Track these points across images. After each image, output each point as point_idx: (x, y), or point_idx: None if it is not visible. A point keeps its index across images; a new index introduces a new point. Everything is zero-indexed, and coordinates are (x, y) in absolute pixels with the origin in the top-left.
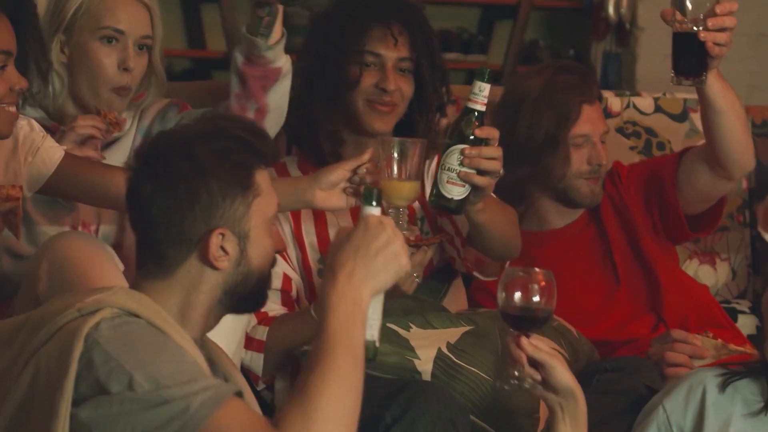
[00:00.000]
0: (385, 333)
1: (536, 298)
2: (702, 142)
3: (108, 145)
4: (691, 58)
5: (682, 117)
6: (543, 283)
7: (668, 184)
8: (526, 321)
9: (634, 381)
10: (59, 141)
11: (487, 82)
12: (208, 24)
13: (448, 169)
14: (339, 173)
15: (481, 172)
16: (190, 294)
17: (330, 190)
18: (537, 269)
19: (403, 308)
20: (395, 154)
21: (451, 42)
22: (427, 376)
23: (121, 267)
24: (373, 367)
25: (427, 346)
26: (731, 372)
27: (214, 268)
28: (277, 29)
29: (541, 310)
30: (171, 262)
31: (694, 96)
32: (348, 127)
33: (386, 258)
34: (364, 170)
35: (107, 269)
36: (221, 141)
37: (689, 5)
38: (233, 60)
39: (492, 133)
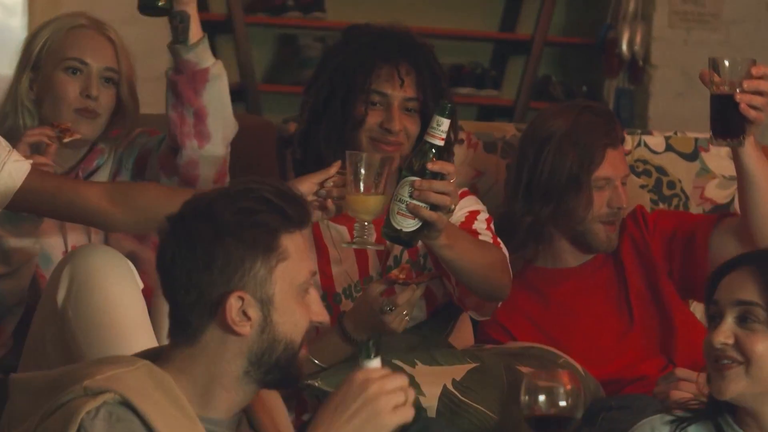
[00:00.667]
0: (391, 369)
1: (563, 403)
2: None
3: (87, 176)
4: (728, 120)
5: (693, 156)
6: (569, 386)
7: (700, 245)
8: (553, 425)
9: (640, 419)
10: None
11: (447, 117)
12: (222, 55)
13: (399, 200)
14: (307, 186)
15: (432, 207)
16: (215, 363)
17: None
18: (561, 370)
19: (408, 344)
20: (362, 169)
21: (464, 77)
22: (432, 413)
23: (141, 285)
24: None
25: (432, 383)
26: (679, 418)
27: (236, 334)
28: (194, 31)
29: (568, 412)
30: (195, 328)
31: (705, 135)
32: None
33: (365, 417)
34: (331, 183)
35: (126, 287)
36: (244, 202)
37: (726, 67)
38: (166, 78)
39: (446, 167)
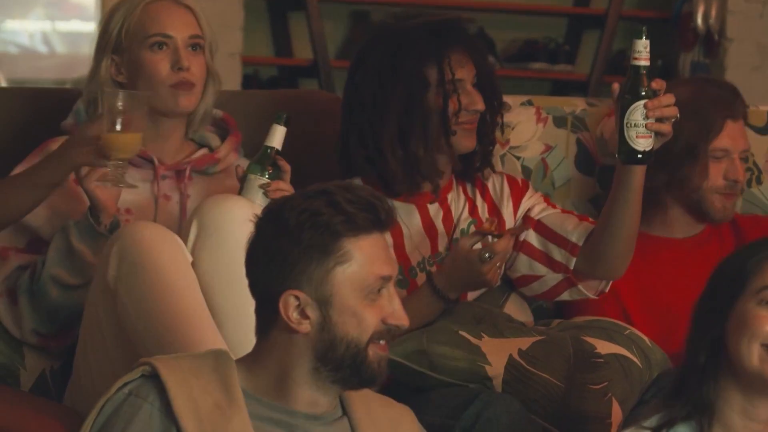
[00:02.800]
0: (457, 341)
1: None
2: None
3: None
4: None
5: (766, 130)
6: None
7: None
8: None
9: None
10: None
11: (646, 38)
12: (295, 32)
13: (635, 125)
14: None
15: (661, 120)
16: (284, 358)
17: None
18: None
19: (473, 316)
20: (119, 105)
21: (538, 52)
22: (498, 382)
23: (190, 258)
24: (444, 373)
25: (498, 353)
26: (663, 423)
27: (296, 331)
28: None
29: None
30: (264, 323)
31: None
32: (443, 154)
33: None
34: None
35: (176, 259)
36: (311, 204)
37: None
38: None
39: (661, 84)
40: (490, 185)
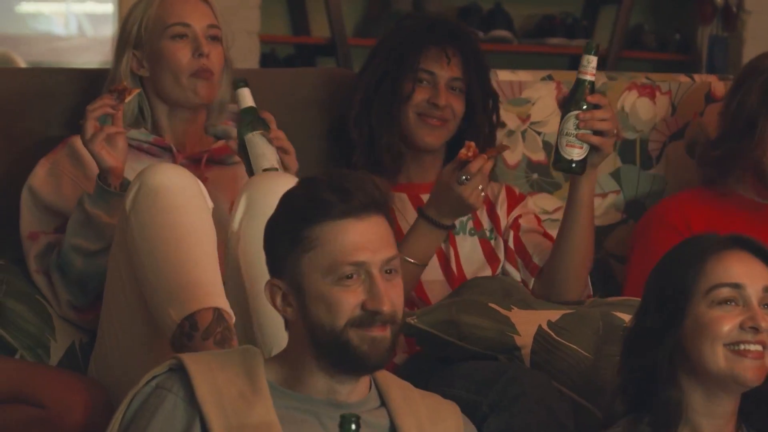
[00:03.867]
0: (486, 311)
1: None
2: None
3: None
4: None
5: None
6: None
7: None
8: None
9: None
10: (83, 132)
11: (594, 54)
12: (312, 10)
13: (566, 134)
14: None
15: (596, 133)
16: (296, 349)
17: None
18: None
19: (503, 289)
20: None
21: (555, 27)
22: (526, 352)
23: (211, 205)
24: (472, 342)
25: (527, 323)
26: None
27: (288, 320)
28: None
29: None
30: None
31: None
32: (403, 141)
33: None
34: None
35: (195, 203)
36: (293, 191)
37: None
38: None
39: (601, 100)
40: (489, 191)
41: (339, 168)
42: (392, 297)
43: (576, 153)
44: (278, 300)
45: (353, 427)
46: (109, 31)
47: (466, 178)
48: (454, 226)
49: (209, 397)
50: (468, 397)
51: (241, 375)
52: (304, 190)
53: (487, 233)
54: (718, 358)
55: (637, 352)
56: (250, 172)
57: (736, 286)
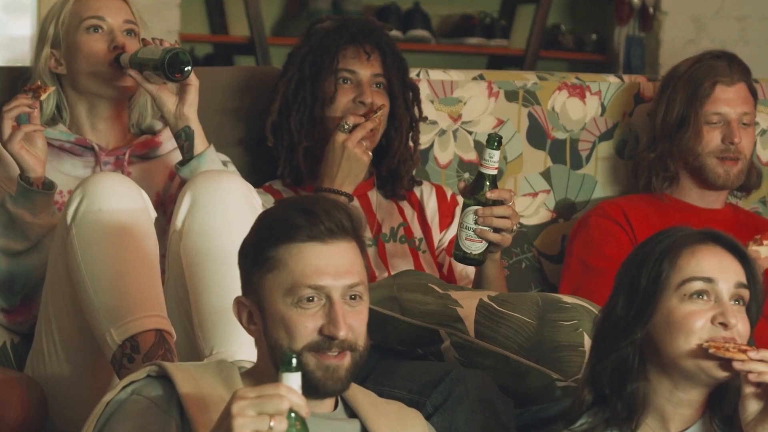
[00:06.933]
0: (426, 289)
1: None
2: None
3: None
4: None
5: None
6: None
7: None
8: None
9: None
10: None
11: (496, 149)
12: (230, 9)
13: (466, 228)
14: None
15: (495, 230)
16: (260, 358)
17: None
18: None
19: (437, 278)
20: None
21: (473, 27)
22: (470, 323)
23: (154, 215)
24: (415, 316)
25: (467, 299)
26: (596, 425)
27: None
28: (198, 144)
29: None
30: None
31: None
32: (324, 144)
33: None
34: None
35: (138, 220)
36: (268, 212)
37: None
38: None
39: (503, 195)
40: (417, 192)
41: (316, 193)
42: (353, 323)
43: (475, 247)
44: (244, 318)
45: (294, 363)
46: (26, 29)
47: (346, 125)
48: (351, 197)
49: (194, 402)
50: (410, 398)
51: (219, 383)
52: (276, 210)
53: (417, 242)
54: (690, 353)
55: (606, 343)
56: (162, 69)
57: (708, 280)
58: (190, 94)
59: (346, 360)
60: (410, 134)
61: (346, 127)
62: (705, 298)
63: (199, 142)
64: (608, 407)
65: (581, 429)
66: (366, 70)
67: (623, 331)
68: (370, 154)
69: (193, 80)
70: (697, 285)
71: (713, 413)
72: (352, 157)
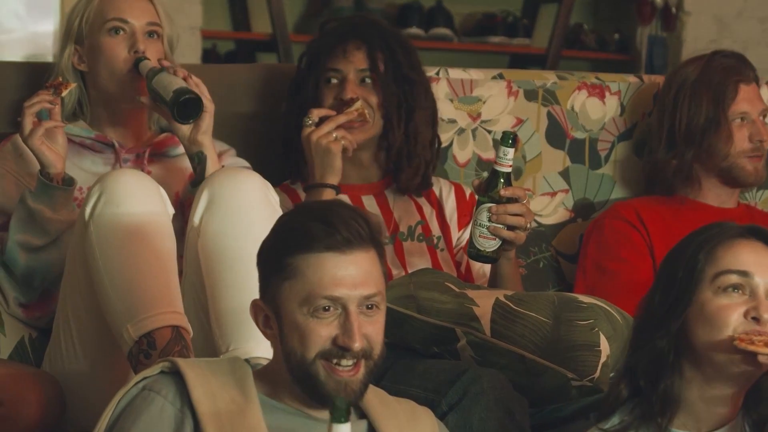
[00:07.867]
0: (443, 288)
1: None
2: None
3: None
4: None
5: None
6: None
7: None
8: None
9: None
10: (21, 128)
11: (511, 146)
12: (253, 6)
13: (479, 225)
14: None
15: (509, 227)
16: (274, 359)
17: None
18: None
19: (454, 277)
20: None
21: (495, 25)
22: (486, 321)
23: (171, 211)
24: (432, 314)
25: (483, 297)
26: (627, 424)
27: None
28: (210, 167)
29: None
30: None
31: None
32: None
33: None
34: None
35: (156, 217)
36: (283, 219)
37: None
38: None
39: (517, 192)
40: (436, 190)
41: (336, 200)
42: (369, 333)
43: (489, 245)
44: (260, 321)
45: (343, 417)
46: (50, 25)
47: (309, 119)
48: (338, 188)
49: (204, 400)
50: (426, 396)
51: (232, 383)
52: (295, 217)
53: (435, 240)
54: (722, 347)
55: (643, 334)
56: (171, 111)
57: (744, 274)
58: (205, 121)
59: (360, 372)
60: (408, 125)
61: (309, 122)
62: (740, 291)
63: (212, 165)
64: (644, 402)
65: (614, 429)
66: (347, 66)
67: (659, 322)
68: (346, 144)
69: (208, 106)
70: (733, 278)
71: (747, 414)
72: (319, 149)
